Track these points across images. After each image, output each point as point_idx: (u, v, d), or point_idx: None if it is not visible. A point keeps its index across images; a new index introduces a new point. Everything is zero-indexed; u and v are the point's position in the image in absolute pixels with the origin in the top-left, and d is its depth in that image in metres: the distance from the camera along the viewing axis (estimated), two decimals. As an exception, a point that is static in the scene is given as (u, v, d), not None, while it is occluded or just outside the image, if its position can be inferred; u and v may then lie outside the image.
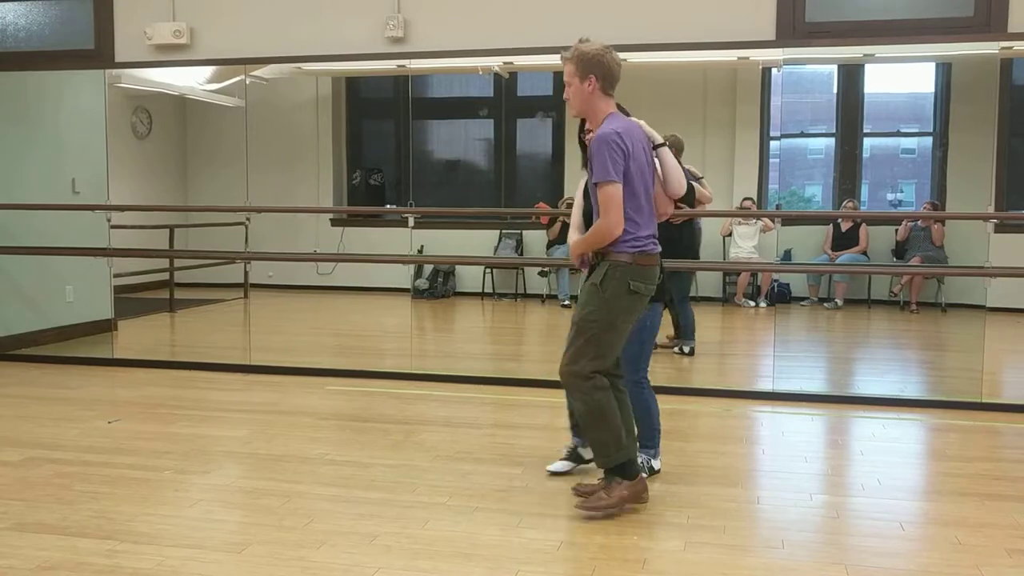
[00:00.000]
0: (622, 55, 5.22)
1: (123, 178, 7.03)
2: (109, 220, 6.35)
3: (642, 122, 3.48)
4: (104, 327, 6.69)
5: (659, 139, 3.45)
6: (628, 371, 3.63)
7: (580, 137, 3.60)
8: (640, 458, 3.69)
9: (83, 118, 6.65)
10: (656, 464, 3.83)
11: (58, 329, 6.75)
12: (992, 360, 5.60)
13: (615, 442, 3.34)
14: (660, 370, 6.39)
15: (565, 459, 3.87)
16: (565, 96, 3.41)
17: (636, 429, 3.72)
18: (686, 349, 6.39)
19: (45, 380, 5.82)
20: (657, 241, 3.39)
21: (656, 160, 3.45)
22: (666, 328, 6.52)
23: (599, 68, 3.29)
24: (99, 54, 6.48)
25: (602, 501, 3.36)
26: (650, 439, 3.81)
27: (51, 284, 6.78)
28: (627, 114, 3.50)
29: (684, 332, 6.36)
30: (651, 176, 3.39)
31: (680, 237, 6.01)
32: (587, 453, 3.80)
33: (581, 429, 3.60)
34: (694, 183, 6.22)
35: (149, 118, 8.51)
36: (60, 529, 3.23)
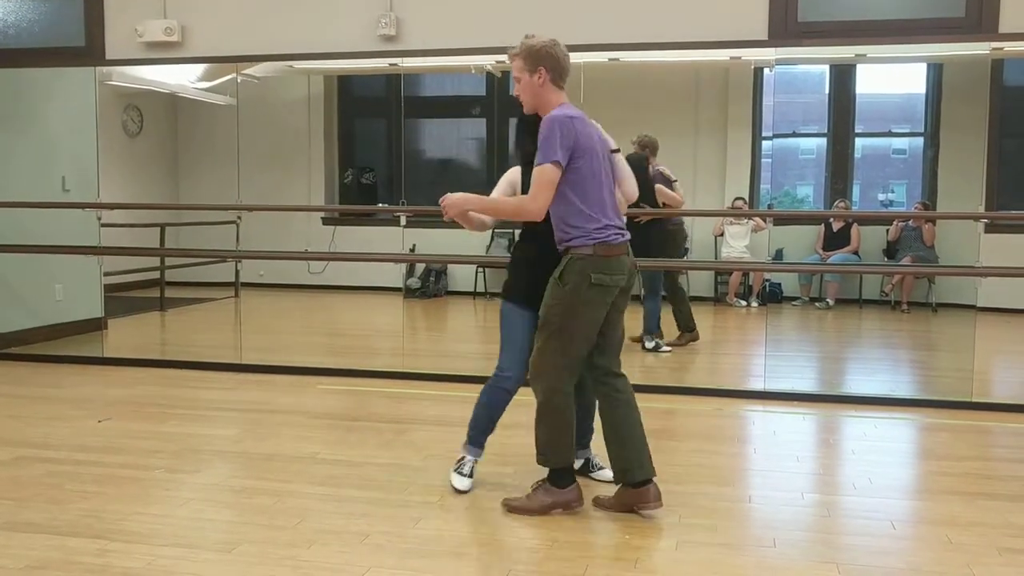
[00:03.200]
0: (613, 54, 5.23)
1: (113, 176, 6.99)
2: (99, 218, 6.32)
3: (598, 124, 3.44)
4: (94, 326, 6.66)
5: (613, 144, 3.43)
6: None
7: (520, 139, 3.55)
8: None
9: (73, 116, 6.61)
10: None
11: (47, 328, 6.71)
12: (982, 360, 5.62)
13: (554, 446, 3.33)
14: (653, 369, 6.40)
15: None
16: (515, 92, 3.35)
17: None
18: (648, 345, 6.46)
19: (34, 379, 5.79)
20: (623, 230, 3.30)
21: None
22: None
23: (548, 60, 3.26)
24: (90, 51, 6.44)
25: (523, 503, 3.38)
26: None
27: (40, 282, 6.75)
28: None
29: (648, 327, 6.47)
30: (608, 168, 3.34)
31: (648, 237, 6.11)
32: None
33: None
34: (664, 187, 6.32)
35: (140, 116, 8.47)
36: (50, 528, 3.22)
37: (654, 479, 3.31)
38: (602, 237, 3.20)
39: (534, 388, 3.38)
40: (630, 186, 3.49)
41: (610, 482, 3.53)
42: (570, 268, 3.22)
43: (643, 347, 6.45)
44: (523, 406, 5.08)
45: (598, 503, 3.43)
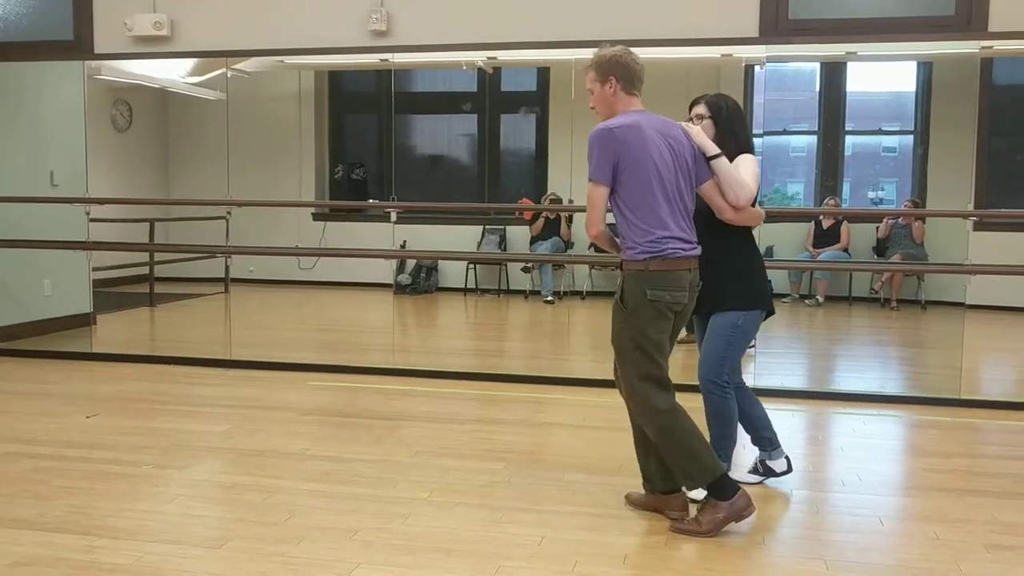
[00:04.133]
0: (604, 50, 5.15)
1: (103, 171, 6.95)
2: (88, 213, 6.29)
3: (692, 128, 3.32)
4: (83, 321, 6.63)
5: (710, 151, 3.26)
6: (705, 372, 3.49)
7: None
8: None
9: (62, 110, 6.57)
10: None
11: (36, 323, 6.68)
12: (971, 357, 5.65)
13: (694, 463, 3.14)
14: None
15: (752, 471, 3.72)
16: (591, 105, 3.30)
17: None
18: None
19: (22, 374, 5.76)
20: (688, 244, 3.14)
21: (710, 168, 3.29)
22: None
23: (619, 69, 3.19)
24: (78, 45, 6.41)
25: (693, 526, 3.17)
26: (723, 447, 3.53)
27: (29, 277, 6.71)
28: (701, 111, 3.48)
29: None
30: (682, 175, 3.17)
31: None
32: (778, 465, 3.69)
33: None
34: None
35: (129, 111, 8.43)
36: (37, 524, 3.20)
37: (682, 489, 3.27)
38: (655, 251, 3.08)
39: (640, 420, 3.26)
40: (732, 195, 3.26)
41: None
42: (626, 287, 3.14)
43: None
44: (518, 403, 5.09)
45: (629, 500, 3.43)
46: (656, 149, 3.12)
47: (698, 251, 3.21)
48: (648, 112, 3.25)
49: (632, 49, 3.26)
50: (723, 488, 3.14)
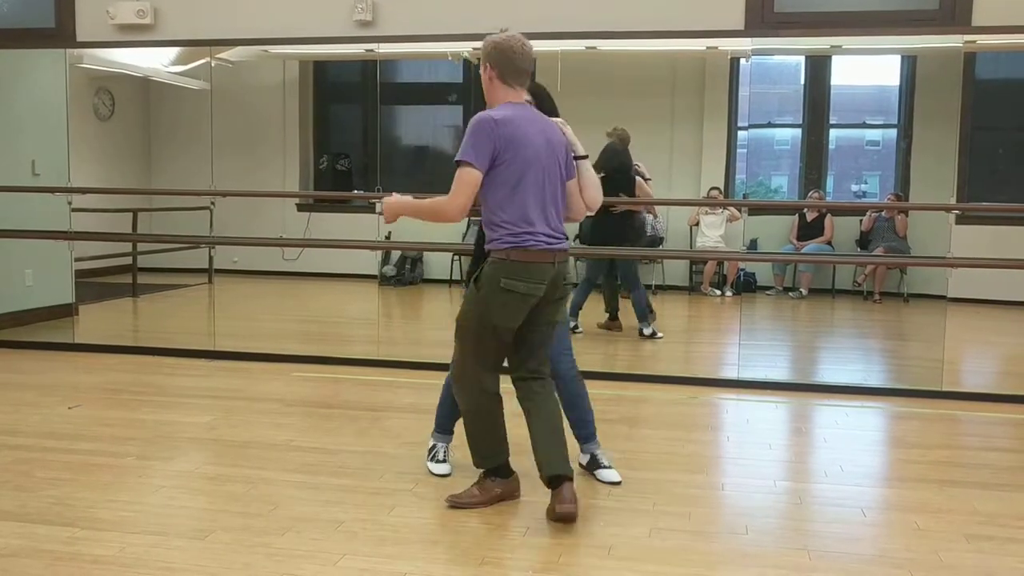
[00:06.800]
0: (591, 43, 5.21)
1: (85, 160, 6.90)
2: (70, 203, 6.24)
3: (567, 127, 3.32)
4: (65, 312, 6.58)
5: (580, 151, 3.32)
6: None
7: None
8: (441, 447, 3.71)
9: (43, 98, 6.51)
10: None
11: (17, 313, 6.62)
12: (952, 350, 5.69)
13: (492, 447, 3.36)
14: (628, 357, 6.43)
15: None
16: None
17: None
18: (646, 332, 6.55)
19: (3, 365, 5.71)
20: (553, 237, 3.16)
21: (576, 167, 3.32)
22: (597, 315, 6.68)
23: (496, 56, 3.15)
24: (60, 33, 6.34)
25: (474, 498, 3.33)
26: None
27: (10, 268, 6.65)
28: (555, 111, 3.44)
29: (638, 315, 6.57)
30: (555, 172, 3.19)
31: (623, 226, 6.24)
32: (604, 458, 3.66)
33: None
34: (643, 181, 6.53)
35: (112, 100, 8.36)
36: (19, 516, 3.18)
37: (570, 479, 3.19)
38: (518, 242, 3.10)
39: (460, 396, 3.37)
40: (590, 196, 3.34)
41: (613, 483, 3.57)
42: (484, 272, 3.18)
43: (641, 334, 6.55)
44: (502, 394, 5.08)
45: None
46: (532, 145, 3.11)
47: (565, 245, 3.22)
48: (526, 106, 3.22)
49: (525, 39, 3.19)
50: (505, 470, 3.39)
